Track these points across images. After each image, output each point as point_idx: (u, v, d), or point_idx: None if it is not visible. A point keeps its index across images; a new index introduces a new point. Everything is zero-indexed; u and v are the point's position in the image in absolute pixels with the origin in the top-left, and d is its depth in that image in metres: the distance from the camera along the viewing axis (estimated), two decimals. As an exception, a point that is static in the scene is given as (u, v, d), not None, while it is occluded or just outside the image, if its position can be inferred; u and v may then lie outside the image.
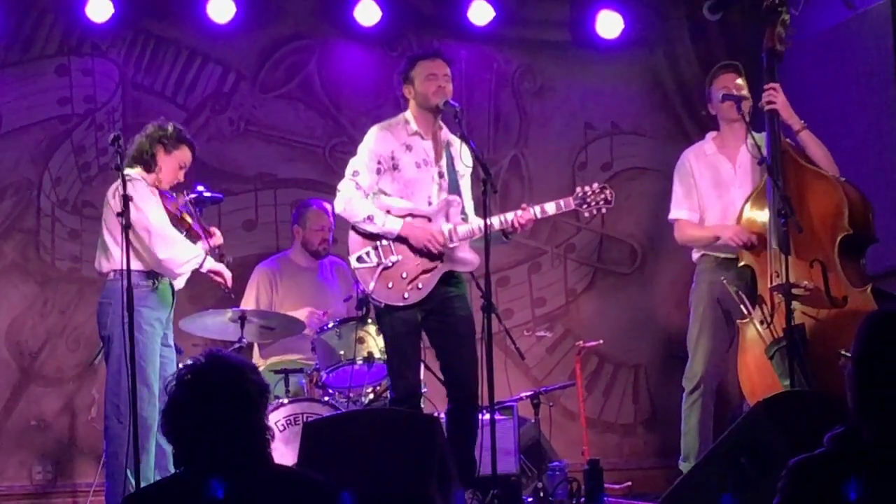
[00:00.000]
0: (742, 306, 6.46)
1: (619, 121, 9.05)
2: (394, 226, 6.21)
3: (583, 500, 6.97)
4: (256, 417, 3.43)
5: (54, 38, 8.39)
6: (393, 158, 6.30)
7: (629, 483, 8.00)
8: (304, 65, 8.73)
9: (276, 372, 7.25)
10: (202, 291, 7.61)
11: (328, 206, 7.95)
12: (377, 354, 6.98)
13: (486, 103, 8.89)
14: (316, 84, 8.74)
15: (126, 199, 5.84)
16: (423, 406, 6.50)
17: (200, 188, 6.89)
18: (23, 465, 8.19)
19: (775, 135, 6.49)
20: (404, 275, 6.20)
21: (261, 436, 3.42)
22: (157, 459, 6.47)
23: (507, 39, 8.94)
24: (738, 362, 6.61)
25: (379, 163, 6.30)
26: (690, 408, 6.79)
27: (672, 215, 6.96)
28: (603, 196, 6.43)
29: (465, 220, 6.31)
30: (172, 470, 5.77)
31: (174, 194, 6.76)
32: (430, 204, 6.31)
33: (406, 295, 6.18)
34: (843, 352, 5.53)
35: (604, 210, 6.48)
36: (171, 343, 6.73)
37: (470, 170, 6.36)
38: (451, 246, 6.21)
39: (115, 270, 6.41)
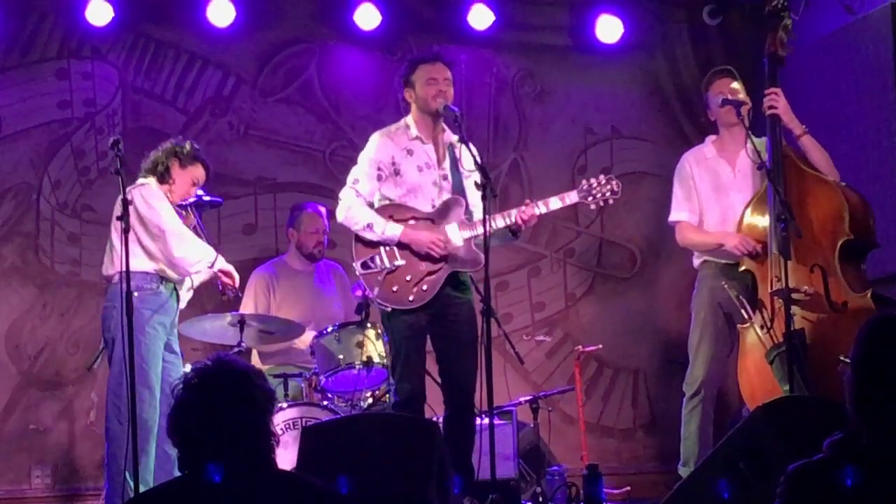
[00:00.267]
0: (742, 311, 6.46)
1: (618, 125, 9.05)
2: (394, 232, 6.21)
3: (581, 504, 6.98)
4: (262, 422, 3.44)
5: (54, 42, 8.39)
6: (394, 164, 6.30)
7: (628, 488, 8.00)
8: (303, 69, 8.73)
9: (276, 376, 7.24)
10: (201, 295, 7.61)
11: (322, 209, 7.97)
12: (376, 359, 6.98)
13: (486, 107, 8.89)
14: (316, 88, 8.74)
15: (125, 204, 5.86)
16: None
17: (200, 192, 6.90)
18: (22, 470, 8.18)
19: (776, 139, 6.49)
20: (408, 278, 6.20)
21: (266, 441, 3.43)
22: (160, 463, 6.48)
23: (507, 44, 8.95)
24: (739, 367, 6.60)
25: (379, 169, 6.31)
26: (690, 413, 6.79)
27: (672, 217, 6.95)
28: (609, 187, 6.39)
29: (469, 219, 6.28)
30: (175, 474, 5.79)
31: (183, 213, 6.79)
32: (433, 207, 6.31)
33: (411, 298, 6.18)
34: (842, 357, 5.52)
35: (610, 201, 6.43)
36: (177, 350, 6.76)
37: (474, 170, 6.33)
38: (453, 247, 6.20)
39: (119, 273, 6.43)
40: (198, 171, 6.85)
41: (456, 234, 6.19)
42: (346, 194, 6.34)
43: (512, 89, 8.97)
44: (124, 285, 5.92)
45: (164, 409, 6.49)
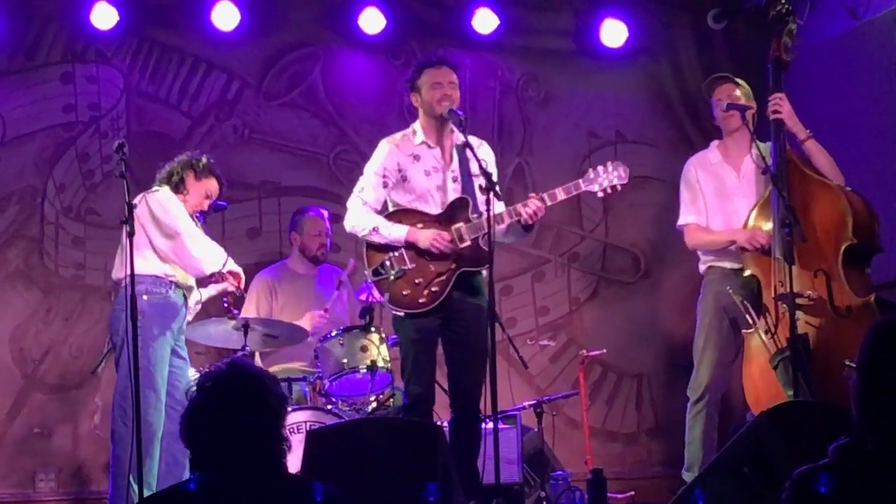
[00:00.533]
0: (747, 316, 6.46)
1: (623, 129, 9.05)
2: (399, 233, 6.21)
3: (586, 509, 6.97)
4: (274, 427, 3.46)
5: (59, 46, 8.39)
6: (400, 171, 6.31)
7: (632, 493, 7.98)
8: (308, 73, 8.74)
9: (280, 380, 7.23)
10: (206, 300, 7.61)
11: (325, 212, 7.98)
12: (380, 363, 6.99)
13: (490, 112, 8.89)
14: (320, 92, 8.75)
15: (130, 208, 5.87)
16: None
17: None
18: (26, 473, 8.17)
19: (781, 144, 6.50)
20: (418, 281, 6.20)
21: (277, 445, 3.45)
22: (170, 468, 6.50)
23: (512, 48, 8.94)
24: (743, 372, 6.61)
25: (385, 177, 6.33)
26: (695, 417, 6.78)
27: (681, 221, 6.94)
28: (616, 173, 6.33)
29: (476, 219, 6.25)
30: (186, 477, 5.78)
31: (193, 221, 6.82)
32: (442, 210, 6.30)
33: (422, 300, 6.18)
34: (847, 362, 5.53)
35: (618, 187, 6.35)
36: (185, 356, 6.78)
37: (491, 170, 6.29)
38: (461, 246, 6.19)
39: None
40: (212, 185, 6.90)
41: (463, 234, 6.18)
42: (351, 203, 6.37)
43: (516, 93, 8.98)
44: (132, 289, 5.93)
45: (170, 414, 6.51)
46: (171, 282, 6.63)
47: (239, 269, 6.81)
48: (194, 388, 3.49)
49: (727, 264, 6.74)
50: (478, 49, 8.81)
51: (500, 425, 6.28)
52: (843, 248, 6.24)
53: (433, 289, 6.19)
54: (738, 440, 5.39)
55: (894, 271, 7.14)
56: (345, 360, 7.00)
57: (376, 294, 6.42)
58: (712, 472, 5.45)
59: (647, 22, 8.97)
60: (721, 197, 6.83)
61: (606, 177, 6.33)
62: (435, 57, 6.62)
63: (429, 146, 6.35)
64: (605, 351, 8.29)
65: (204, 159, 6.89)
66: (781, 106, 6.55)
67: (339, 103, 8.76)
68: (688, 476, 6.71)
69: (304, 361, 7.58)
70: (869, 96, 7.84)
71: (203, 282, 6.92)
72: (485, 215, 5.88)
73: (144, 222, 6.53)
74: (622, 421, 8.89)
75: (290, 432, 6.73)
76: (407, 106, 7.25)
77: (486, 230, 5.85)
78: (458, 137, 6.29)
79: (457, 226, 6.20)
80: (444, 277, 6.19)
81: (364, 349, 7.02)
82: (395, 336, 7.04)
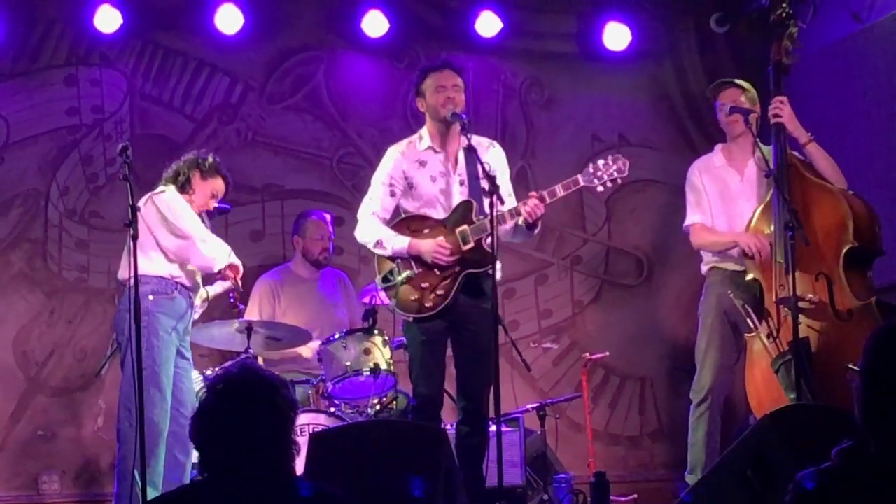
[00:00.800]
0: (748, 320, 6.46)
1: (626, 133, 9.05)
2: (401, 245, 6.22)
3: (589, 512, 6.98)
4: (284, 431, 3.47)
5: (63, 49, 8.40)
6: (406, 178, 6.32)
7: (635, 496, 7.99)
8: (311, 76, 8.75)
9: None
10: (209, 302, 7.62)
11: (327, 216, 8.00)
12: (383, 366, 6.99)
13: (494, 115, 8.90)
14: (323, 95, 8.75)
15: (134, 211, 5.87)
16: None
17: (209, 198, 6.93)
18: (29, 476, 8.18)
19: (782, 147, 6.50)
20: (425, 285, 6.21)
21: (286, 449, 3.46)
22: (169, 469, 6.51)
23: (515, 51, 8.95)
24: (746, 376, 6.61)
25: (391, 185, 6.35)
26: (698, 420, 6.78)
27: (687, 221, 6.94)
28: (616, 166, 6.31)
29: (480, 220, 6.23)
30: (185, 481, 5.83)
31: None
32: (448, 213, 6.31)
33: (428, 304, 6.19)
34: (850, 366, 5.53)
35: (618, 180, 6.35)
36: (189, 356, 6.79)
37: (497, 170, 6.24)
38: (465, 248, 6.19)
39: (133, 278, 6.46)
40: (218, 184, 6.92)
41: (467, 236, 6.18)
42: (360, 214, 6.41)
43: (519, 97, 8.98)
44: (140, 289, 5.95)
45: (172, 415, 6.52)
46: (176, 283, 6.65)
47: (238, 263, 6.83)
48: (204, 390, 3.51)
49: (729, 266, 6.74)
50: (481, 52, 8.81)
51: (503, 428, 6.29)
52: (843, 251, 6.24)
53: (439, 293, 6.19)
54: (740, 444, 5.39)
55: (897, 274, 7.16)
56: (348, 363, 7.01)
57: (384, 299, 6.43)
58: (715, 476, 5.46)
59: (649, 25, 8.98)
60: (725, 200, 6.83)
61: (606, 170, 6.32)
62: (439, 61, 6.62)
63: (434, 151, 6.35)
64: (608, 354, 8.29)
65: (210, 158, 6.91)
66: (782, 109, 6.55)
67: (342, 106, 8.77)
68: (691, 479, 6.71)
69: (304, 370, 7.59)
70: (872, 100, 7.85)
71: (209, 279, 6.95)
72: (488, 217, 5.88)
73: (152, 224, 6.54)
74: (625, 424, 8.89)
75: (294, 435, 6.73)
76: (413, 111, 7.23)
77: (490, 231, 5.86)
78: (465, 140, 6.29)
79: (461, 228, 6.20)
80: (449, 281, 6.20)
81: (367, 352, 7.02)
82: (398, 339, 7.06)
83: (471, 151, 6.16)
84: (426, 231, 6.25)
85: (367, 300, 7.41)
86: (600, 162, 6.34)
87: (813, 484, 3.06)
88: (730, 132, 6.85)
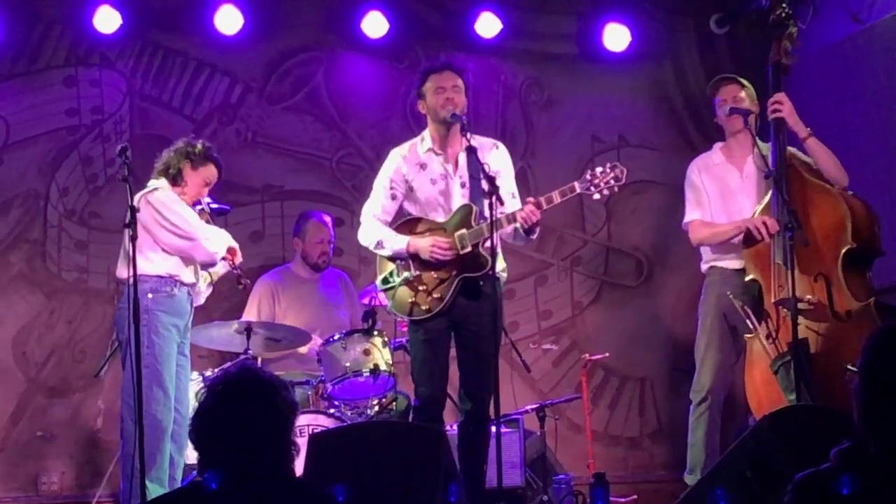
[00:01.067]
0: (748, 321, 6.46)
1: (626, 133, 9.05)
2: (400, 245, 6.23)
3: (588, 512, 6.98)
4: (283, 432, 3.48)
5: (62, 49, 8.41)
6: (406, 181, 6.33)
7: (635, 496, 7.99)
8: (311, 76, 8.75)
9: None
10: (208, 303, 7.62)
11: (328, 218, 7.99)
12: (383, 367, 6.99)
13: (494, 116, 8.90)
14: (323, 96, 8.75)
15: (133, 211, 5.87)
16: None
17: (207, 199, 6.92)
18: (29, 476, 8.18)
19: (781, 146, 6.49)
20: (422, 288, 6.21)
21: (286, 450, 3.47)
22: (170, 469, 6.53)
23: (515, 52, 8.95)
24: (746, 376, 6.61)
25: (392, 188, 6.36)
26: (697, 420, 6.78)
27: (686, 219, 6.93)
28: (613, 174, 6.26)
29: (479, 224, 6.23)
30: (178, 478, 5.82)
31: (197, 207, 6.83)
32: (448, 216, 6.31)
33: (425, 307, 6.19)
34: (849, 367, 5.53)
35: (615, 189, 6.31)
36: (187, 353, 6.79)
37: (501, 171, 6.25)
38: (462, 252, 6.18)
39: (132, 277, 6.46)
40: (209, 172, 6.86)
41: (465, 240, 6.18)
42: (363, 217, 6.43)
43: (519, 97, 8.98)
44: (139, 287, 5.95)
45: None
46: (175, 280, 6.64)
47: (235, 244, 6.87)
48: (204, 390, 3.52)
49: (729, 264, 6.74)
50: (481, 53, 8.81)
51: (503, 429, 6.30)
52: (842, 252, 6.23)
53: (435, 295, 6.19)
54: (739, 444, 5.39)
55: (896, 275, 7.16)
56: (347, 364, 7.01)
57: (384, 300, 6.44)
58: (714, 476, 5.45)
59: (649, 26, 8.98)
60: (725, 197, 6.82)
61: (603, 178, 6.29)
62: (439, 62, 6.61)
63: (435, 153, 6.34)
64: (607, 355, 8.28)
65: (199, 146, 6.83)
66: (782, 104, 6.54)
67: (342, 107, 8.77)
68: (690, 479, 6.71)
69: (304, 370, 7.59)
70: (871, 100, 7.85)
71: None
72: (488, 221, 5.87)
73: (149, 225, 6.52)
74: (625, 425, 8.89)
75: (293, 435, 6.73)
76: (413, 111, 7.22)
77: (488, 235, 5.86)
78: (465, 141, 6.28)
79: (460, 232, 6.20)
80: (445, 284, 6.20)
81: (367, 353, 7.02)
82: (397, 339, 7.06)
83: (471, 152, 6.15)
84: (425, 234, 6.25)
85: (366, 301, 7.41)
86: (598, 169, 6.31)
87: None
88: (729, 129, 6.85)
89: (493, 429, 5.83)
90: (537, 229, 6.25)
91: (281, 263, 8.29)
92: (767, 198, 6.51)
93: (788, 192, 6.33)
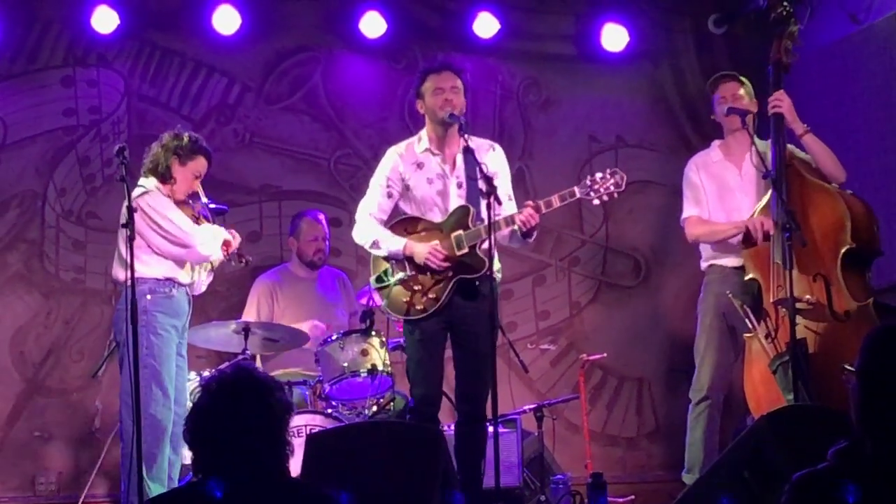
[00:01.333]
0: (747, 320, 6.46)
1: (623, 134, 9.04)
2: (397, 246, 6.23)
3: (586, 513, 6.97)
4: (278, 432, 3.50)
5: (60, 49, 8.39)
6: (403, 180, 6.33)
7: (632, 497, 7.98)
8: (308, 76, 8.74)
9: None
10: (206, 303, 7.62)
11: (321, 216, 7.99)
12: (381, 367, 6.99)
13: (491, 116, 8.89)
14: (321, 96, 8.75)
15: (130, 210, 5.86)
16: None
17: (205, 199, 6.90)
18: (26, 477, 8.17)
19: (781, 145, 6.49)
20: (417, 288, 6.21)
21: (280, 450, 3.49)
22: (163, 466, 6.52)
23: (513, 52, 8.94)
24: (745, 376, 6.61)
25: (389, 187, 6.36)
26: (696, 419, 6.78)
27: (684, 215, 6.94)
28: (613, 181, 6.29)
29: (476, 226, 6.22)
30: (175, 477, 5.81)
31: (190, 200, 6.80)
32: (445, 216, 6.30)
33: (419, 307, 6.19)
34: (846, 366, 5.53)
35: (615, 195, 6.34)
36: (185, 353, 6.78)
37: (498, 173, 6.26)
38: (458, 253, 6.18)
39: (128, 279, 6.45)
40: (198, 164, 6.78)
41: (462, 242, 6.18)
42: (358, 215, 6.43)
43: (517, 98, 8.97)
44: (137, 288, 5.93)
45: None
46: (173, 282, 6.63)
47: (228, 236, 6.82)
48: (199, 390, 3.52)
49: (728, 262, 6.74)
50: (479, 53, 8.80)
51: (501, 429, 6.30)
52: (841, 252, 6.23)
53: (430, 296, 6.19)
54: (737, 444, 5.40)
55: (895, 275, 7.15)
56: (345, 364, 7.00)
57: (377, 299, 6.44)
58: (712, 476, 5.46)
59: (647, 26, 8.97)
60: (723, 194, 6.83)
61: (603, 184, 6.30)
62: (438, 63, 6.61)
63: (432, 153, 6.34)
64: (605, 355, 8.28)
65: (186, 139, 6.74)
66: (782, 101, 6.56)
67: (339, 107, 8.76)
68: (688, 478, 6.72)
69: (304, 366, 7.57)
70: (869, 101, 7.84)
71: None
72: (485, 222, 5.87)
73: (142, 231, 6.45)
74: (622, 425, 8.88)
75: (291, 436, 6.71)
76: (411, 112, 7.21)
77: (486, 237, 5.86)
78: (463, 142, 6.28)
79: (456, 233, 6.19)
80: (441, 285, 6.20)
81: (365, 353, 7.02)
82: (395, 340, 7.06)
83: (469, 153, 6.15)
84: (422, 233, 6.25)
85: (364, 301, 7.40)
86: (598, 175, 6.33)
87: (854, 497, 3.05)
88: (727, 126, 6.86)
89: (491, 429, 5.83)
90: (535, 233, 6.26)
91: (279, 263, 8.28)
92: (767, 197, 6.51)
93: (788, 192, 6.33)
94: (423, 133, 6.41)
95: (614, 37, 8.87)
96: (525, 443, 7.48)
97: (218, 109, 8.60)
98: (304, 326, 7.54)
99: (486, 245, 6.04)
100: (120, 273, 6.58)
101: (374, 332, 7.07)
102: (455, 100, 6.26)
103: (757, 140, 6.68)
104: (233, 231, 6.93)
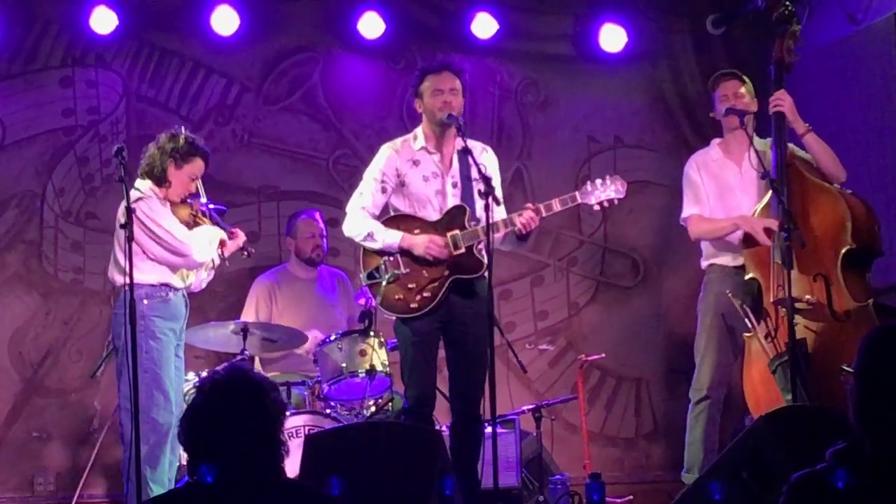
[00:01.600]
0: (747, 320, 6.46)
1: (622, 134, 9.04)
2: (393, 239, 6.22)
3: (584, 513, 6.97)
4: (273, 433, 3.49)
5: (58, 50, 8.39)
6: (399, 176, 6.32)
7: (631, 497, 7.98)
8: (307, 77, 8.74)
9: (279, 384, 7.23)
10: (204, 304, 7.62)
11: (317, 214, 7.99)
12: (379, 367, 6.99)
13: (490, 116, 8.89)
14: (319, 96, 8.75)
15: (129, 211, 5.85)
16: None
17: (204, 200, 6.89)
18: (24, 477, 8.18)
19: (782, 145, 6.49)
20: (411, 286, 6.21)
21: (276, 451, 3.48)
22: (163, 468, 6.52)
23: (511, 53, 8.94)
24: (744, 376, 6.61)
25: (383, 182, 6.35)
26: (696, 418, 6.79)
27: (684, 213, 6.94)
28: (613, 187, 6.33)
29: (473, 226, 6.24)
30: (172, 479, 5.80)
31: (190, 200, 6.78)
32: (440, 215, 6.30)
33: (413, 305, 6.19)
34: (845, 367, 5.53)
35: (615, 201, 6.37)
36: (182, 355, 6.77)
37: (490, 175, 6.25)
38: (455, 253, 6.18)
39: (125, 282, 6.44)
40: (195, 167, 6.71)
41: (458, 241, 6.18)
42: (350, 208, 6.40)
43: (515, 98, 8.97)
44: (136, 292, 5.92)
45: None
46: (168, 286, 6.61)
47: (224, 236, 6.80)
48: (193, 391, 3.53)
49: (728, 261, 6.74)
50: (477, 54, 8.80)
51: (499, 430, 6.29)
52: (842, 252, 6.24)
53: (425, 294, 6.19)
54: (736, 444, 5.40)
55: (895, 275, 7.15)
56: (343, 364, 7.00)
57: (371, 297, 6.44)
58: (711, 475, 5.45)
59: (646, 27, 8.97)
60: (723, 193, 6.83)
61: (604, 190, 6.33)
62: (437, 63, 6.60)
63: (429, 151, 6.35)
64: (603, 355, 8.28)
65: (181, 140, 6.65)
66: (783, 100, 6.56)
67: (338, 108, 8.76)
68: (687, 478, 6.72)
69: (302, 371, 7.58)
70: (868, 101, 7.85)
71: None
72: (482, 223, 5.88)
73: (137, 238, 6.36)
74: (621, 425, 8.88)
75: (289, 436, 6.72)
76: (409, 112, 7.20)
77: (483, 238, 5.87)
78: (460, 143, 6.28)
79: (453, 233, 6.19)
80: (436, 284, 6.20)
81: (363, 353, 7.01)
82: (393, 340, 7.06)
83: (466, 154, 6.15)
84: (417, 231, 6.25)
85: (362, 301, 7.40)
86: (598, 181, 6.37)
87: (843, 483, 3.05)
88: (726, 125, 6.87)
89: (489, 429, 5.83)
90: (532, 237, 6.28)
91: (277, 264, 8.28)
92: (767, 197, 6.52)
93: (788, 192, 6.34)
94: (419, 131, 6.41)
95: (613, 37, 8.86)
96: (523, 443, 7.48)
97: (216, 110, 8.60)
98: (309, 337, 7.51)
99: (481, 246, 6.05)
100: (116, 277, 6.56)
101: (372, 333, 7.07)
102: (454, 101, 6.26)
103: (756, 140, 6.68)
104: (236, 230, 6.91)
